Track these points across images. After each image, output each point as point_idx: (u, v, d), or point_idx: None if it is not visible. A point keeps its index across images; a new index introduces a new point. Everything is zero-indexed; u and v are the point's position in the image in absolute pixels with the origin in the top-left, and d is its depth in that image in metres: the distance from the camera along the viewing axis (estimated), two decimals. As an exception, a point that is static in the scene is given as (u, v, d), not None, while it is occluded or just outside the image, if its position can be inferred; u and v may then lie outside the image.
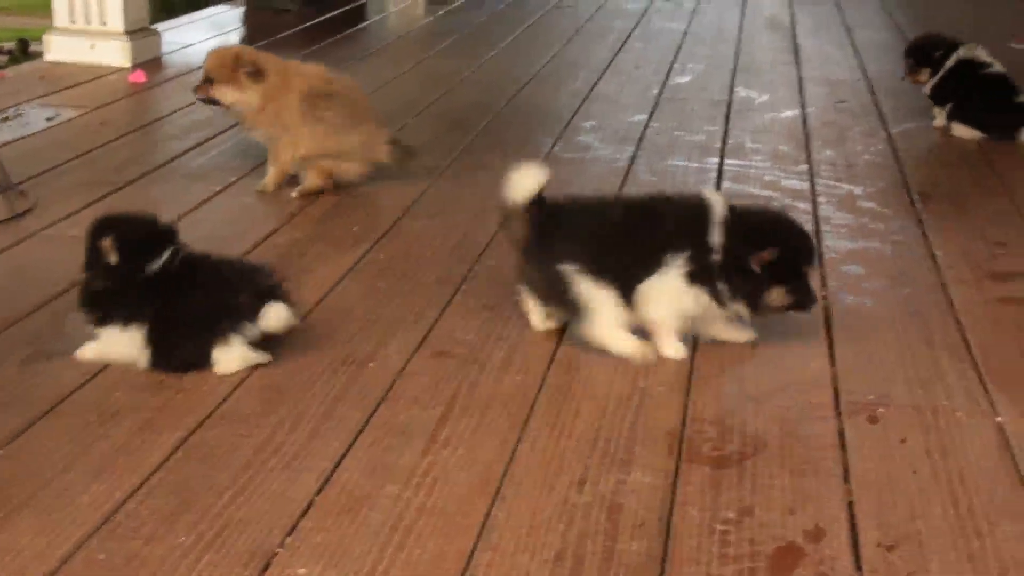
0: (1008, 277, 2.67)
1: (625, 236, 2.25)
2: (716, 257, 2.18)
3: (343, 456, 1.89)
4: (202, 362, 2.13)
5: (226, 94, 3.15)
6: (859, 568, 1.61)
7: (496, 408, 2.04)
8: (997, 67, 3.86)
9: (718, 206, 2.21)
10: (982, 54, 3.88)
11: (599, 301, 2.20)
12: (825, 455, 1.91)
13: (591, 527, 1.69)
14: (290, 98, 3.15)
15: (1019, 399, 2.09)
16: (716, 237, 2.18)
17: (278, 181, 3.22)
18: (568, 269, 2.20)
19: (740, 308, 2.22)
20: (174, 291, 2.14)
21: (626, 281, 2.20)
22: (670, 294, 2.20)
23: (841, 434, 1.97)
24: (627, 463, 1.86)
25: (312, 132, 3.16)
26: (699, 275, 2.19)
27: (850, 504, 1.77)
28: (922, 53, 3.96)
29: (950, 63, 3.88)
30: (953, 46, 3.91)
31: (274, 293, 2.18)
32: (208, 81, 3.17)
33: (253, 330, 2.14)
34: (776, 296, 2.21)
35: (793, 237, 2.25)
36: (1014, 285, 2.63)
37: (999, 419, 2.02)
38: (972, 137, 3.83)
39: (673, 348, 2.24)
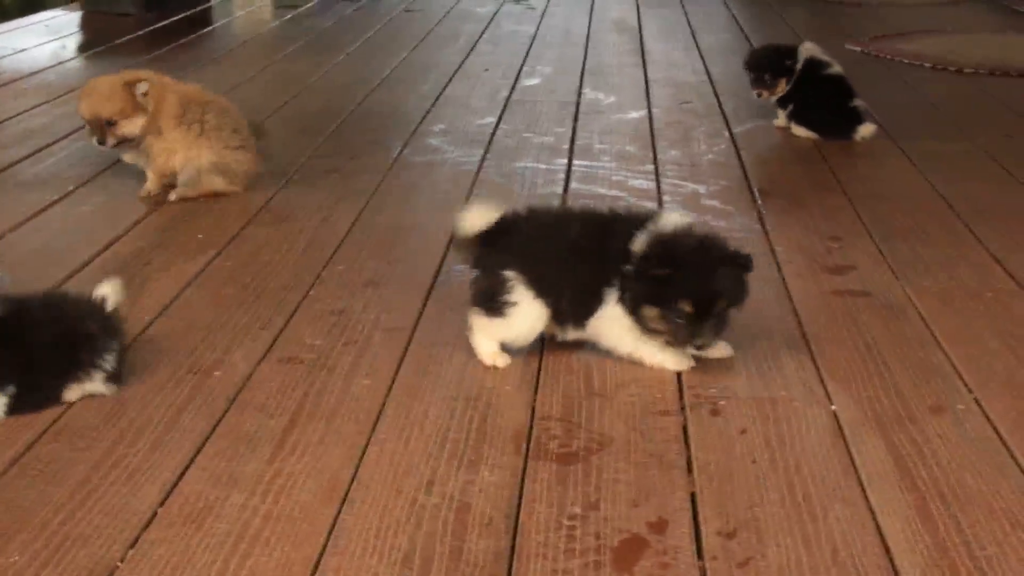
0: (842, 270, 2.77)
1: (571, 255, 2.21)
2: (629, 267, 2.14)
3: (187, 466, 1.85)
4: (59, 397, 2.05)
5: (133, 125, 3.04)
6: (700, 556, 1.65)
7: (344, 413, 2.03)
8: (836, 68, 3.99)
9: (664, 222, 2.16)
10: (822, 53, 4.01)
11: (524, 310, 2.19)
12: (669, 448, 1.95)
13: (439, 527, 1.70)
14: (168, 102, 3.08)
15: (852, 388, 2.17)
16: (637, 246, 2.13)
17: (158, 186, 3.16)
18: (510, 275, 2.19)
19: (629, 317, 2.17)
20: (17, 342, 2.01)
21: (565, 302, 2.20)
22: (620, 324, 2.18)
23: (684, 427, 2.02)
24: (475, 463, 1.88)
25: (185, 137, 3.10)
26: (624, 285, 2.16)
27: (692, 495, 1.81)
28: (777, 65, 3.98)
29: (799, 66, 3.97)
30: (794, 50, 4.00)
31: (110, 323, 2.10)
32: (108, 124, 3.02)
33: (109, 360, 2.06)
34: (651, 315, 2.15)
35: (693, 273, 2.12)
36: (847, 277, 2.72)
37: (833, 407, 2.09)
38: (810, 136, 3.96)
39: (672, 362, 2.21)
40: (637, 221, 2.19)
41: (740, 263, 2.17)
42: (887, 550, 1.67)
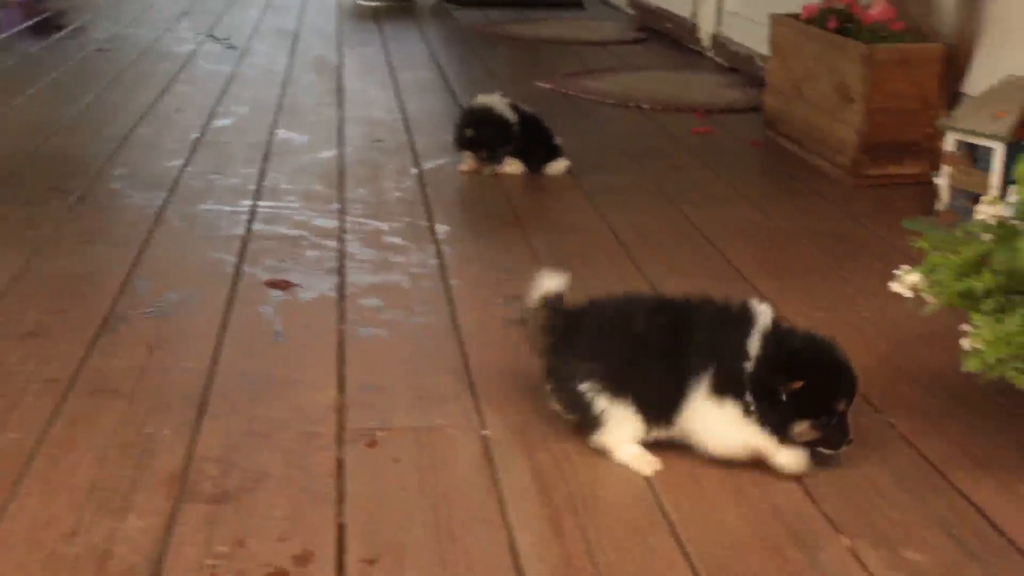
0: (509, 300, 2.91)
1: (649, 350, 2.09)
2: (748, 367, 2.01)
3: None
4: None
5: None
6: (342, 585, 1.72)
7: (-12, 469, 1.99)
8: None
9: (763, 317, 2.04)
10: (504, 104, 4.14)
11: (618, 418, 2.09)
12: (323, 483, 2.01)
13: (77, 578, 1.69)
14: None
15: (505, 413, 2.29)
16: (754, 347, 2.02)
17: None
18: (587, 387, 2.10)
19: (767, 432, 2.03)
20: None
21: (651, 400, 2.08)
22: (717, 421, 2.03)
23: (340, 461, 2.08)
24: (123, 510, 1.88)
25: None
26: (728, 384, 2.02)
27: (340, 526, 1.87)
28: (502, 138, 4.06)
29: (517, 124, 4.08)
30: (504, 117, 4.08)
31: None
32: None
33: None
34: (802, 431, 2.02)
35: (830, 369, 2.03)
36: (514, 307, 2.86)
37: (485, 432, 2.21)
38: (516, 172, 4.08)
39: (787, 459, 2.04)
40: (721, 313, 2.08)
41: (837, 348, 2.08)
42: (517, 563, 1.78)
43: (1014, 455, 2.13)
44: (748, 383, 2.00)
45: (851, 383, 2.02)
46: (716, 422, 2.03)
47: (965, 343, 1.88)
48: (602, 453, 2.11)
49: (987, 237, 2.01)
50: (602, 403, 2.08)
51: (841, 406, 2.01)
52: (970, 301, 1.95)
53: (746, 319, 2.04)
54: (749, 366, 2.00)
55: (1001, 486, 2.03)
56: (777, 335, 2.02)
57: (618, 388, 2.07)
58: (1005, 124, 3.20)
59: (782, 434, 2.01)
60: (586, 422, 2.13)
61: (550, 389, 2.20)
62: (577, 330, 2.15)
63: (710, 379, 2.02)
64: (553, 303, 2.19)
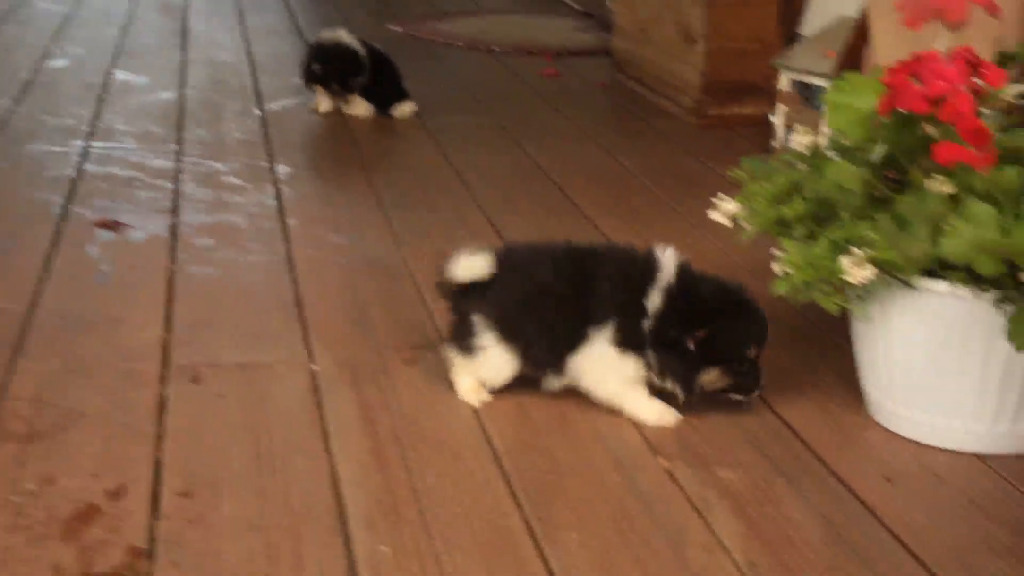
0: (348, 238, 2.88)
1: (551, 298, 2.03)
2: (648, 324, 1.97)
3: None
4: None
5: None
6: (156, 517, 1.68)
7: None
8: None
9: (667, 267, 1.99)
10: (352, 38, 4.07)
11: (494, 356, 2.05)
12: (142, 419, 1.96)
13: None
14: None
15: (336, 348, 2.27)
16: (655, 301, 1.97)
17: None
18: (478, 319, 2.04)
19: (672, 386, 2.00)
20: None
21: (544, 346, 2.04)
22: (606, 364, 2.00)
23: (162, 398, 2.04)
24: (-74, 451, 1.81)
25: None
26: (630, 342, 1.98)
27: (157, 461, 1.84)
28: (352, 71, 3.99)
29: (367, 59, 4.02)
30: (354, 50, 4.02)
31: None
32: None
33: None
34: (711, 378, 1.99)
35: (737, 314, 2.00)
36: (352, 245, 2.83)
37: (314, 367, 2.18)
38: (367, 114, 4.02)
39: (655, 413, 2.02)
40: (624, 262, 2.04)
41: (746, 293, 2.04)
42: (338, 492, 1.77)
43: (829, 377, 2.20)
44: (649, 338, 1.97)
45: (761, 328, 2.00)
46: (603, 373, 2.01)
47: (776, 268, 1.92)
48: (428, 386, 2.12)
49: (801, 166, 2.05)
50: (486, 339, 2.04)
51: (751, 352, 1.99)
52: (783, 228, 1.99)
53: (650, 270, 1.99)
54: (648, 323, 1.96)
55: (815, 406, 2.10)
56: (682, 284, 1.98)
57: (508, 331, 2.04)
58: (831, 63, 3.28)
59: (691, 383, 1.98)
60: (464, 347, 2.07)
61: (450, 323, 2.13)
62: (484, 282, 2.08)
63: (611, 333, 1.98)
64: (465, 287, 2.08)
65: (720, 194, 2.15)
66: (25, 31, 5.12)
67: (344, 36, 4.05)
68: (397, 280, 2.63)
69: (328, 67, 3.99)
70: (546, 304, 2.04)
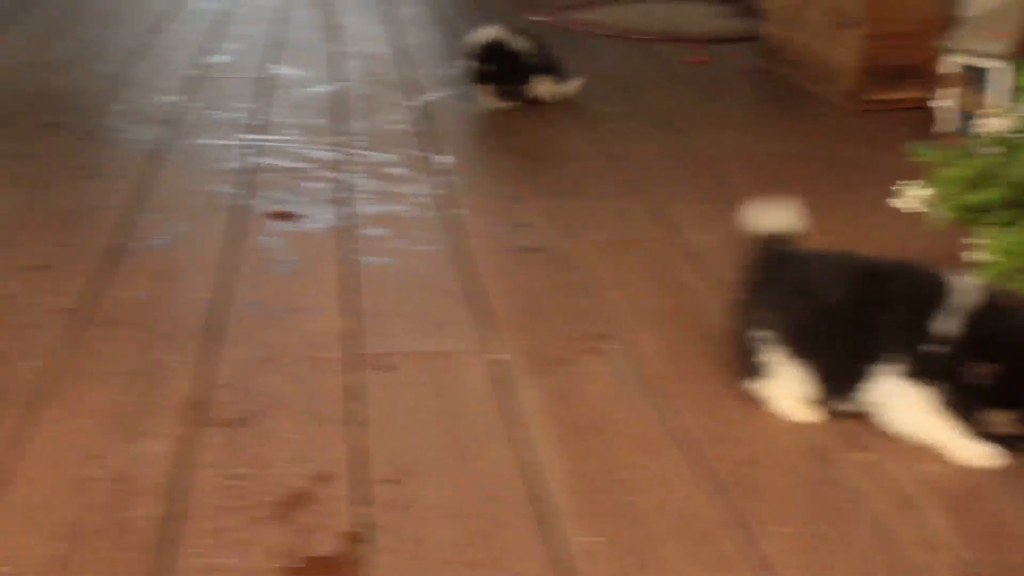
0: (518, 227, 2.90)
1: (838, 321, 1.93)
2: (942, 352, 1.82)
3: None
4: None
5: None
6: (367, 503, 1.73)
7: (7, 397, 1.99)
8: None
9: (964, 294, 1.83)
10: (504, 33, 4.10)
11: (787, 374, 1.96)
12: (333, 406, 2.01)
13: (99, 500, 1.70)
14: None
15: (517, 337, 2.29)
16: (951, 330, 1.82)
17: None
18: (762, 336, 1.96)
19: (955, 419, 1.85)
20: None
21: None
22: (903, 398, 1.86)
23: (355, 385, 2.09)
24: (141, 435, 1.89)
25: None
26: (920, 369, 1.84)
27: (360, 448, 1.88)
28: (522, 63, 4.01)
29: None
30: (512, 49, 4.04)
31: None
32: None
33: None
34: (1000, 420, 1.81)
35: None
36: (523, 235, 2.86)
37: (500, 356, 2.21)
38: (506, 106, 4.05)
39: (974, 453, 1.84)
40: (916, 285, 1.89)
41: None
42: (531, 481, 1.79)
43: None
44: (942, 369, 1.82)
45: None
46: (904, 406, 1.87)
47: (976, 256, 1.88)
48: (612, 377, 2.13)
49: (993, 151, 2.00)
50: (772, 356, 1.96)
51: None
52: (973, 214, 1.95)
53: (945, 295, 1.83)
54: (943, 351, 1.81)
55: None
56: (980, 314, 1.81)
57: (795, 350, 1.95)
58: (1006, 44, 3.18)
59: (974, 420, 1.82)
60: (746, 367, 2.01)
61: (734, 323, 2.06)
62: (777, 279, 2.00)
63: (901, 363, 1.85)
64: (770, 243, 2.03)
65: (900, 181, 2.12)
66: (186, 29, 5.27)
67: (501, 33, 4.07)
68: (569, 269, 2.64)
69: (494, 68, 4.01)
70: (837, 327, 1.92)
